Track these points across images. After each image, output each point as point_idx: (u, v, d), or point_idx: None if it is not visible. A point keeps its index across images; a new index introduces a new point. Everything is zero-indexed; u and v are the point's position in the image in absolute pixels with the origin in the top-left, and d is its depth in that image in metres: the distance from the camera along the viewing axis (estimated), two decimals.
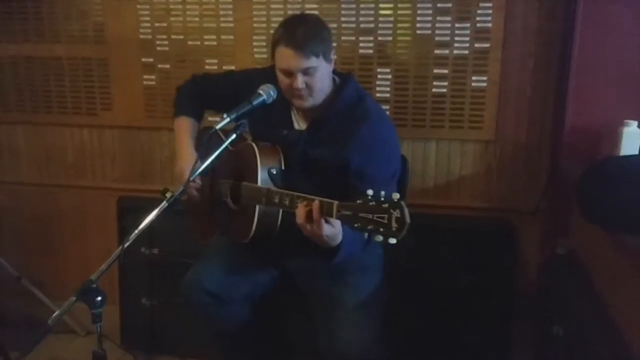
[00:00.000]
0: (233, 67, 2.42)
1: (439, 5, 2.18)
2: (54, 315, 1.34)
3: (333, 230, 1.41)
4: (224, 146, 1.51)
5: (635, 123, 1.86)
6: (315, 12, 2.27)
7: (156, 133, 2.58)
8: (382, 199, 1.25)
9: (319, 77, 1.65)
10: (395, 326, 2.08)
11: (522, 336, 2.33)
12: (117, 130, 2.62)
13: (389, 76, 2.27)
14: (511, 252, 2.30)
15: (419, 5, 2.19)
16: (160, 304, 2.63)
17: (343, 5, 2.26)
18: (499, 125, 2.24)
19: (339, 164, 1.66)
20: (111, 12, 2.47)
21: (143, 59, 2.49)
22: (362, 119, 1.69)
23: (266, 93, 1.61)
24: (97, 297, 1.36)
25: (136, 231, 1.41)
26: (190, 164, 1.64)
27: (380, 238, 1.25)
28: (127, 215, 2.64)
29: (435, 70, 2.24)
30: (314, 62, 1.61)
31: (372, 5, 2.23)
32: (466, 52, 2.20)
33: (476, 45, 2.18)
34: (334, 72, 1.77)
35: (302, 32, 1.61)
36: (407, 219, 1.21)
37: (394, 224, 1.22)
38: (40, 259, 2.83)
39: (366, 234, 1.28)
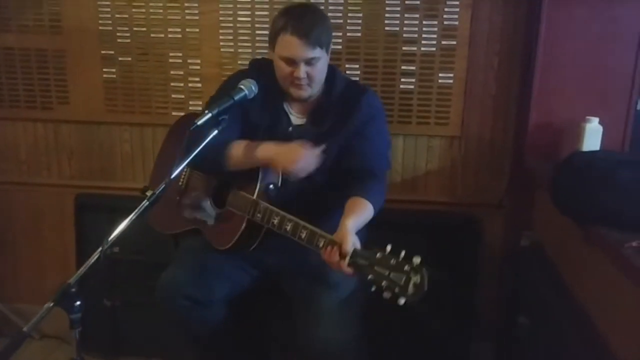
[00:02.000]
0: (198, 61, 2.37)
1: (407, 2, 2.20)
2: (31, 322, 1.27)
3: (357, 244, 1.45)
4: (205, 141, 1.47)
5: (597, 120, 1.94)
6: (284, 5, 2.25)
7: (117, 128, 2.49)
8: (402, 257, 1.25)
9: (320, 68, 1.66)
10: None
11: (485, 326, 2.39)
12: (74, 125, 2.51)
13: (358, 72, 2.27)
14: (475, 244, 2.35)
15: (387, 2, 2.21)
16: (122, 304, 2.55)
17: (312, 1, 2.24)
18: (465, 122, 2.29)
19: (343, 138, 1.71)
20: (69, 1, 2.36)
21: (103, 51, 2.40)
22: (360, 93, 1.76)
23: (247, 88, 1.58)
24: (75, 301, 1.30)
25: (116, 232, 1.35)
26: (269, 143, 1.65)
27: (388, 296, 1.27)
28: (85, 213, 2.55)
29: (403, 67, 2.26)
30: (318, 52, 1.62)
31: (342, 1, 2.23)
32: (433, 49, 2.23)
33: (443, 42, 2.22)
34: None
35: (308, 21, 1.61)
36: (426, 287, 1.24)
37: (410, 289, 1.25)
38: None
39: (373, 287, 1.31)
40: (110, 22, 2.36)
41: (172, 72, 2.39)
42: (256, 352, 1.95)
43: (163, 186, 1.37)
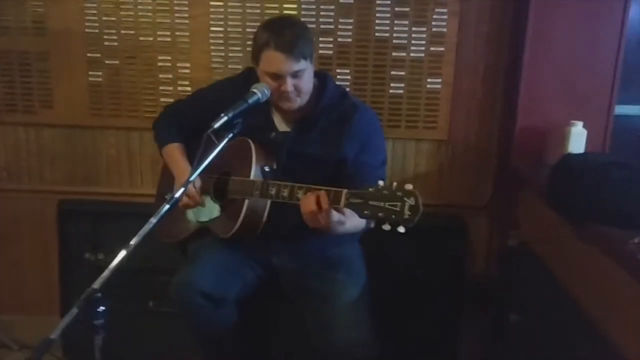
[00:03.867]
0: (188, 65, 2.36)
1: (397, 9, 2.25)
2: (57, 328, 1.24)
3: (340, 217, 1.43)
4: (223, 143, 1.47)
5: (581, 123, 2.03)
6: (276, 13, 2.27)
7: (101, 132, 2.45)
8: (394, 188, 1.28)
9: (306, 79, 1.67)
10: None
11: (471, 326, 2.46)
12: (57, 129, 2.45)
13: (349, 77, 2.31)
14: (462, 245, 2.42)
15: (378, 8, 2.25)
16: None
17: (303, 6, 2.27)
18: (452, 126, 2.36)
19: (334, 160, 1.70)
20: (53, 3, 2.31)
21: (89, 54, 2.35)
22: (351, 112, 1.74)
23: (260, 91, 1.60)
24: (99, 306, 1.27)
25: (138, 237, 1.33)
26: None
27: (388, 227, 1.29)
28: (69, 220, 2.49)
29: (393, 72, 2.31)
30: (302, 64, 1.63)
31: (332, 7, 2.26)
32: (422, 55, 2.29)
33: (431, 48, 2.28)
34: None
35: (290, 35, 1.61)
36: (421, 207, 1.26)
37: (406, 212, 1.27)
38: None
39: (373, 223, 1.31)
40: (97, 24, 2.32)
41: (161, 76, 2.37)
42: (263, 355, 1.95)
43: (182, 189, 1.37)
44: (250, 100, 1.55)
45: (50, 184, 2.51)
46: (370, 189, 1.33)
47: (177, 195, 1.35)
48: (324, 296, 1.66)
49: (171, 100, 2.36)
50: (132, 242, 1.32)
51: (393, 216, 1.28)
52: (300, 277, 1.77)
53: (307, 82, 1.68)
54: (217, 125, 1.44)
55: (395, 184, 1.31)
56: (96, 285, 1.26)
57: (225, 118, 1.46)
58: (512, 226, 2.28)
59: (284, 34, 1.61)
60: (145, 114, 2.41)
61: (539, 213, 2.03)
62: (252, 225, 1.69)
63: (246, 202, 1.66)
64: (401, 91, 2.33)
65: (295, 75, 1.64)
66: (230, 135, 1.49)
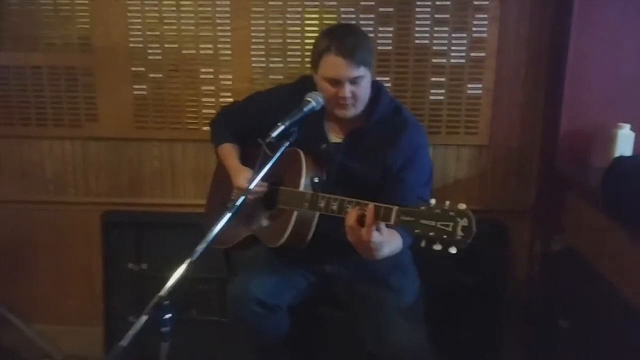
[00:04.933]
0: (230, 77, 2.39)
1: (437, 16, 2.26)
2: (127, 335, 1.26)
3: (381, 238, 1.41)
4: (280, 151, 1.50)
5: (628, 126, 2.02)
6: (315, 23, 2.30)
7: (146, 144, 2.50)
8: (447, 207, 1.27)
9: (364, 86, 1.67)
10: None
11: (513, 333, 2.43)
12: (103, 142, 2.51)
13: (389, 84, 2.32)
14: (504, 250, 2.41)
15: (417, 16, 2.27)
16: (149, 322, 2.52)
17: (343, 16, 2.29)
18: (493, 131, 2.35)
19: (379, 173, 1.69)
20: (98, 20, 2.37)
21: (133, 68, 2.41)
22: (400, 128, 1.73)
23: (315, 100, 1.61)
24: (166, 314, 1.29)
25: (204, 245, 1.34)
26: (247, 174, 1.63)
27: (439, 247, 1.27)
28: (113, 231, 2.54)
29: (433, 79, 2.32)
30: (362, 71, 1.63)
31: (372, 16, 2.28)
32: (462, 60, 2.30)
33: (472, 54, 2.29)
34: None
35: (352, 42, 1.62)
36: (474, 228, 1.24)
37: (459, 233, 1.24)
38: (13, 281, 2.65)
39: (423, 242, 1.30)
40: (141, 39, 2.38)
41: (203, 88, 2.41)
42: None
43: (243, 197, 1.39)
44: (306, 109, 1.57)
45: (94, 196, 2.56)
46: (422, 207, 1.31)
47: (238, 203, 1.36)
48: (380, 302, 1.67)
49: (213, 112, 2.41)
50: (197, 248, 1.32)
51: (445, 236, 1.26)
52: (354, 284, 1.77)
53: (365, 91, 1.68)
54: (274, 134, 1.47)
55: (447, 202, 1.29)
56: (163, 292, 1.27)
57: (282, 127, 1.48)
58: (555, 231, 2.26)
59: (345, 40, 1.63)
60: (187, 125, 2.45)
61: (588, 217, 2.01)
62: (300, 237, 1.70)
63: (295, 213, 1.67)
64: (442, 97, 2.33)
65: (354, 81, 1.64)
66: (287, 144, 1.51)
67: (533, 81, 2.30)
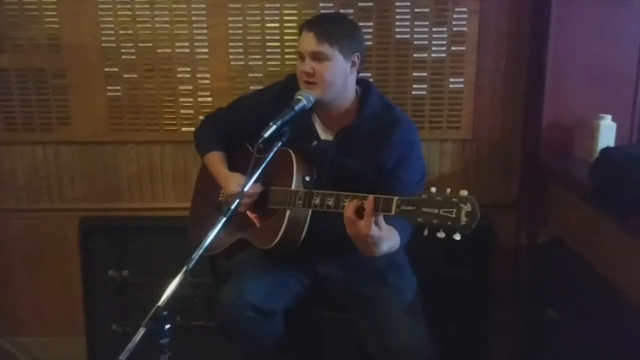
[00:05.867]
0: (208, 75, 2.33)
1: (416, 10, 2.24)
2: (126, 348, 1.21)
3: (380, 233, 1.39)
4: (273, 152, 1.46)
5: (610, 117, 2.03)
6: (294, 19, 2.26)
7: (122, 147, 2.42)
8: (448, 194, 1.26)
9: (329, 68, 1.62)
10: None
11: (501, 325, 2.44)
12: (76, 147, 2.42)
13: (370, 80, 2.29)
14: (488, 244, 2.41)
15: (397, 10, 2.24)
16: (134, 330, 2.42)
17: (322, 12, 2.24)
18: (476, 125, 2.35)
19: (372, 171, 1.66)
20: (67, 19, 2.28)
21: (106, 69, 2.33)
22: (392, 125, 1.70)
23: (305, 97, 1.58)
24: (165, 325, 1.24)
25: (199, 251, 1.29)
26: (238, 179, 1.59)
27: (442, 234, 1.26)
28: (91, 237, 2.46)
29: (415, 74, 2.30)
30: (326, 48, 1.60)
31: (351, 10, 2.25)
32: (443, 55, 2.28)
33: (452, 48, 2.27)
34: None
35: (327, 21, 1.63)
36: (478, 213, 1.23)
37: (463, 218, 1.23)
38: None
39: (426, 231, 1.28)
40: (113, 38, 2.30)
41: (180, 88, 2.34)
42: None
43: (237, 201, 1.34)
44: (297, 107, 1.54)
45: (70, 202, 2.48)
46: (423, 196, 1.30)
47: (233, 207, 1.32)
48: (379, 301, 1.64)
49: (191, 112, 2.36)
50: (193, 256, 1.28)
51: (449, 223, 1.25)
52: (350, 284, 1.74)
53: (331, 73, 1.63)
54: (267, 134, 1.43)
55: (448, 190, 1.29)
56: (161, 302, 1.22)
57: (274, 127, 1.45)
58: (540, 222, 2.27)
59: (323, 19, 1.64)
60: (165, 127, 2.39)
61: (573, 208, 2.03)
62: (293, 237, 1.66)
63: (287, 212, 1.63)
64: (424, 92, 2.32)
65: (317, 57, 1.61)
66: (279, 143, 1.47)
67: (514, 74, 2.30)
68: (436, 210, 1.27)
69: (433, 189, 1.30)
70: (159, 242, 2.43)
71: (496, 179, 2.40)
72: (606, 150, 1.75)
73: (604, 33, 2.09)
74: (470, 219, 1.24)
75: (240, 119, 1.86)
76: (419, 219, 1.28)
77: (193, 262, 1.27)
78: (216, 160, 1.86)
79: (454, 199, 1.26)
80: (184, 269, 1.26)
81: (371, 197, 1.37)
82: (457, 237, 1.26)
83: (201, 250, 1.29)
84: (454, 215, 1.25)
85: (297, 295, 1.77)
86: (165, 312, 1.23)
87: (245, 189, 1.39)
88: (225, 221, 1.32)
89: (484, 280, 2.42)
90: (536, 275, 2.25)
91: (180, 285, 1.30)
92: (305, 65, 1.62)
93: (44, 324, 2.58)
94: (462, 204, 1.24)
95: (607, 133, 2.03)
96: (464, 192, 1.26)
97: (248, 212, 1.74)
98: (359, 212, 1.38)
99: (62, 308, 2.57)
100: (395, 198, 1.35)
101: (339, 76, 1.67)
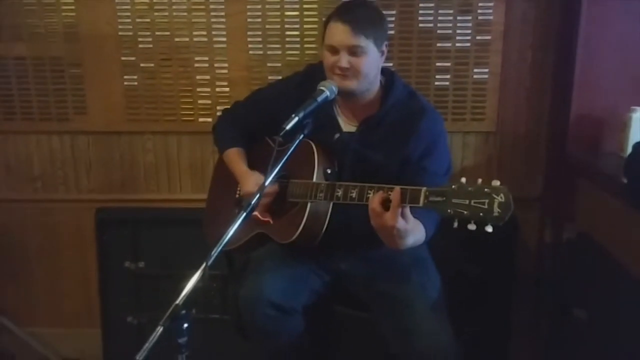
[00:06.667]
0: (226, 65, 2.29)
1: None
2: (144, 348, 1.17)
3: (406, 226, 1.33)
4: (295, 145, 1.41)
5: None
6: (315, 6, 2.20)
7: (139, 137, 2.39)
8: (480, 184, 1.21)
9: (365, 60, 1.56)
10: None
11: (523, 324, 2.38)
12: (93, 136, 2.39)
13: (392, 70, 2.23)
14: (511, 240, 2.34)
15: None
16: (149, 322, 2.44)
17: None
18: (500, 117, 2.28)
19: (397, 163, 1.61)
20: (84, 7, 2.25)
21: (123, 58, 2.29)
22: (419, 114, 1.64)
23: (328, 88, 1.52)
24: (184, 323, 1.20)
25: (218, 247, 1.25)
26: (256, 177, 1.55)
27: (474, 227, 1.21)
28: (107, 228, 2.44)
29: (438, 64, 2.24)
30: (362, 41, 1.54)
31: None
32: (468, 44, 2.21)
33: (477, 37, 2.21)
34: None
35: (358, 11, 1.56)
36: (512, 205, 1.18)
37: (496, 209, 1.18)
38: (4, 283, 2.54)
39: (456, 223, 1.23)
40: (130, 26, 2.26)
41: (198, 77, 2.30)
42: None
43: (258, 195, 1.29)
44: (320, 99, 1.48)
45: (86, 193, 2.46)
46: (453, 186, 1.24)
47: (254, 201, 1.27)
48: (403, 299, 1.58)
49: (209, 102, 2.32)
50: (212, 253, 1.23)
51: (481, 214, 1.19)
52: (373, 282, 1.68)
53: (367, 66, 1.57)
54: (288, 126, 1.38)
55: (480, 180, 1.23)
56: (179, 300, 1.18)
57: (297, 119, 1.39)
58: (566, 218, 2.20)
59: (352, 9, 1.56)
60: (182, 117, 2.35)
61: (603, 204, 1.95)
62: (314, 231, 1.61)
63: (308, 205, 1.58)
64: (447, 83, 2.26)
65: (353, 51, 1.55)
66: (302, 136, 1.42)
67: (541, 64, 2.22)
68: (467, 201, 1.21)
69: (463, 179, 1.24)
70: (175, 234, 2.40)
71: (520, 173, 2.34)
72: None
73: (637, 21, 2.00)
74: (503, 210, 1.18)
75: (258, 112, 1.81)
76: (448, 210, 1.23)
77: (212, 259, 1.22)
78: (235, 157, 1.81)
79: (486, 189, 1.20)
80: (203, 265, 1.21)
81: (398, 188, 1.32)
82: (489, 229, 1.20)
83: (220, 247, 1.23)
84: (486, 207, 1.19)
85: (318, 292, 1.72)
86: (183, 311, 1.18)
87: (267, 183, 1.34)
88: (246, 216, 1.27)
89: (506, 277, 2.36)
90: (562, 273, 2.18)
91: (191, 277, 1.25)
92: (342, 59, 1.55)
93: (60, 315, 2.57)
94: (495, 195, 1.19)
95: (639, 126, 1.95)
96: (496, 182, 1.21)
97: (259, 215, 1.69)
98: (385, 204, 1.34)
99: (78, 299, 2.56)
100: (424, 189, 1.30)
101: (373, 67, 1.62)
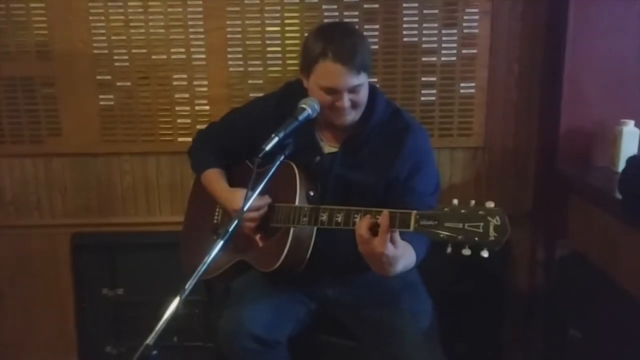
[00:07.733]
0: (205, 82, 2.22)
1: (425, 12, 2.13)
2: None
3: (396, 252, 1.26)
4: (275, 166, 1.33)
5: (632, 122, 1.91)
6: (296, 22, 2.14)
7: (116, 159, 2.30)
8: (472, 205, 1.14)
9: (363, 93, 1.50)
10: None
11: (515, 344, 2.33)
12: (67, 159, 2.30)
13: (377, 85, 2.17)
14: (502, 257, 2.29)
15: (405, 12, 2.13)
16: (128, 351, 2.34)
17: (325, 14, 2.14)
18: (487, 132, 2.23)
19: (383, 184, 1.54)
20: (57, 25, 2.17)
21: (98, 77, 2.21)
22: (404, 132, 1.57)
23: (310, 107, 1.44)
24: None
25: (193, 279, 1.16)
26: (243, 194, 1.43)
27: (468, 252, 1.14)
28: (84, 254, 2.36)
29: (423, 78, 2.19)
30: (362, 78, 1.46)
31: (357, 13, 2.14)
32: (454, 58, 2.17)
33: (463, 51, 2.16)
34: None
35: (350, 45, 1.44)
36: (508, 227, 1.11)
37: (492, 233, 1.12)
38: None
39: (449, 248, 1.16)
40: (105, 44, 2.18)
41: (176, 96, 2.23)
42: None
43: (235, 222, 1.21)
44: (301, 117, 1.40)
45: (62, 218, 2.36)
46: (445, 209, 1.17)
47: (231, 228, 1.19)
48: (393, 328, 1.50)
49: (188, 121, 2.24)
50: (186, 286, 1.14)
51: (476, 238, 1.13)
52: (361, 309, 1.60)
53: (364, 95, 1.52)
54: (268, 147, 1.30)
55: (473, 202, 1.17)
56: (150, 340, 1.09)
57: (277, 139, 1.32)
58: (558, 235, 2.14)
59: (344, 43, 1.44)
60: (161, 137, 2.27)
61: (595, 220, 1.90)
62: (298, 257, 1.53)
63: (291, 231, 1.50)
64: (433, 98, 2.21)
65: (354, 90, 1.47)
66: (282, 157, 1.34)
67: (528, 78, 2.19)
68: (461, 225, 1.14)
69: (455, 201, 1.17)
70: (155, 259, 2.32)
71: (509, 189, 2.29)
72: (634, 159, 1.63)
73: (625, 33, 1.98)
74: (500, 234, 1.12)
75: (235, 132, 1.73)
76: (441, 235, 1.16)
77: (186, 292, 1.13)
78: (214, 176, 1.72)
79: (480, 212, 1.14)
80: (177, 299, 1.12)
81: (386, 211, 1.25)
82: (485, 254, 1.14)
83: (195, 279, 1.15)
84: (481, 230, 1.13)
85: (303, 321, 1.63)
86: (155, 352, 1.09)
87: (245, 208, 1.26)
88: (223, 245, 1.19)
89: (497, 295, 2.30)
90: (555, 292, 2.12)
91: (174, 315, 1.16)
92: (344, 101, 1.47)
93: (35, 346, 2.45)
94: (490, 217, 1.13)
95: (630, 140, 1.91)
96: (490, 204, 1.14)
97: (253, 232, 1.61)
98: (373, 229, 1.26)
99: (54, 329, 2.44)
100: (414, 212, 1.22)
101: (367, 94, 1.55)
